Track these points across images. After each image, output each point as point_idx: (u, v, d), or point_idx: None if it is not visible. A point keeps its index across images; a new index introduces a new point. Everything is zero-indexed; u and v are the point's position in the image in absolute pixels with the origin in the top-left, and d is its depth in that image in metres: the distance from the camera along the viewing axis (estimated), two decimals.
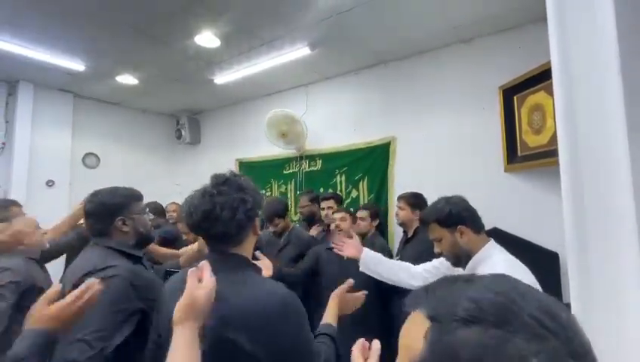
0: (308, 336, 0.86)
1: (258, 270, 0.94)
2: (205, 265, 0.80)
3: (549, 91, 2.15)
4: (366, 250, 1.69)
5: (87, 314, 0.90)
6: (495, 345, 0.30)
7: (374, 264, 1.65)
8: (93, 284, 0.90)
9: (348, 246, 1.71)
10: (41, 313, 0.83)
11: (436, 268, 1.55)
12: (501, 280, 0.37)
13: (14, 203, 2.08)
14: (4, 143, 3.65)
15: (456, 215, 1.26)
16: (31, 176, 3.67)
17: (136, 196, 1.29)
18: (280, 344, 0.79)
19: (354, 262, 1.98)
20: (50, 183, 3.83)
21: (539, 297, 0.34)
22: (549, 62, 2.14)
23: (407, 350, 0.36)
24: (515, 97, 2.48)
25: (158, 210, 3.05)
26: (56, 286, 0.89)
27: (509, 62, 2.58)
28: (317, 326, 1.70)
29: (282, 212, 2.48)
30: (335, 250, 1.74)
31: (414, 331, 0.35)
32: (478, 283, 0.36)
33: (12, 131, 3.63)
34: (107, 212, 1.20)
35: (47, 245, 1.66)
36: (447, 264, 1.43)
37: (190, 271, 0.79)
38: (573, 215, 0.70)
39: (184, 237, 2.78)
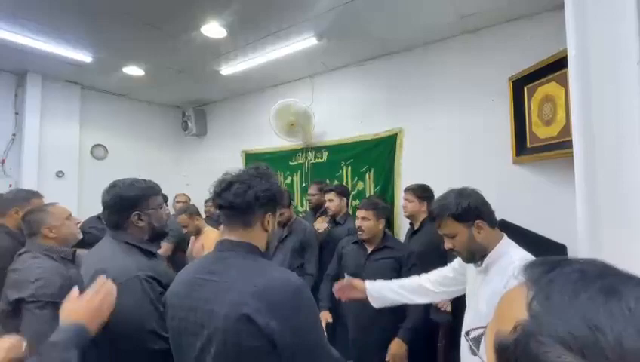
0: (319, 327, 0.87)
1: (268, 257, 0.96)
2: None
3: (561, 82, 2.11)
4: (367, 283, 1.55)
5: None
6: None
7: (381, 291, 1.53)
8: (105, 283, 0.95)
9: (348, 293, 1.58)
10: (70, 309, 0.90)
11: (447, 277, 1.48)
12: None
13: (35, 194, 2.02)
14: (14, 135, 3.70)
15: (474, 209, 1.17)
16: (41, 167, 3.72)
17: (155, 190, 1.27)
18: (292, 330, 0.79)
19: (373, 256, 1.97)
20: (60, 174, 3.88)
21: None
22: (561, 52, 2.10)
23: (499, 318, 0.34)
24: (525, 88, 2.44)
25: None
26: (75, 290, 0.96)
27: (519, 53, 2.53)
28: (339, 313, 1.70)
29: (287, 202, 2.48)
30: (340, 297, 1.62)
31: (511, 306, 0.32)
32: (616, 303, 0.27)
33: (22, 123, 3.68)
34: (124, 205, 1.19)
35: (80, 235, 1.63)
36: (461, 269, 1.39)
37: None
38: (586, 208, 0.69)
39: (184, 231, 2.80)
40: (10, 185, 3.51)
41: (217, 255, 0.94)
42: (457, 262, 1.42)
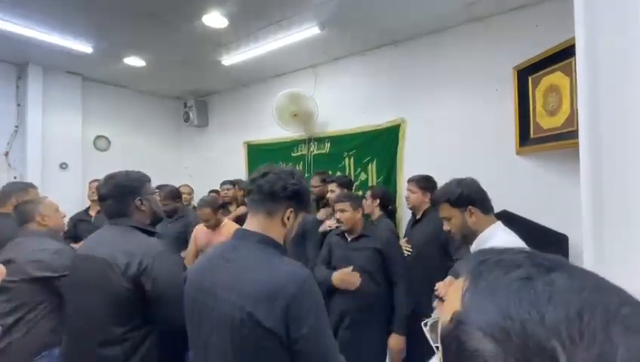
0: (323, 319, 0.88)
1: (283, 252, 0.97)
2: None
3: (567, 71, 2.08)
4: None
5: None
6: None
7: None
8: None
9: (348, 283, 1.77)
10: None
11: None
12: (568, 296, 0.29)
13: (31, 185, 2.15)
14: (17, 127, 3.70)
15: (467, 196, 1.31)
16: (45, 159, 3.74)
17: (147, 178, 1.38)
18: (298, 322, 0.81)
19: (360, 247, 2.02)
20: (63, 166, 3.90)
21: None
22: (567, 42, 2.07)
23: (447, 306, 0.36)
24: (529, 78, 2.42)
25: (174, 194, 3.02)
26: None
27: (524, 42, 2.50)
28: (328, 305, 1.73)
29: (311, 208, 2.50)
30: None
31: (454, 297, 0.35)
32: (528, 291, 0.30)
33: (24, 114, 3.68)
34: (126, 193, 1.27)
35: (65, 228, 1.75)
36: None
37: None
38: (591, 200, 0.69)
39: (204, 224, 2.80)
40: (15, 178, 3.53)
41: (232, 242, 0.98)
42: None
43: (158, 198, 1.41)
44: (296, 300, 0.82)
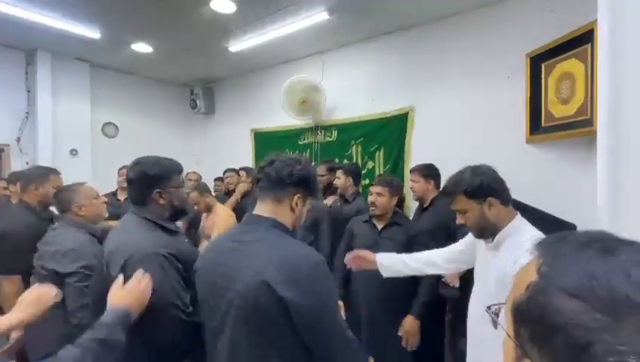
0: (334, 304, 0.91)
1: (294, 236, 1.00)
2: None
3: (582, 58, 2.03)
4: (378, 255, 1.60)
5: None
6: (592, 328, 0.28)
7: (391, 259, 1.59)
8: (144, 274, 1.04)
9: (360, 262, 1.62)
10: (116, 294, 0.99)
11: (458, 252, 1.51)
12: None
13: (53, 171, 2.06)
14: (27, 113, 3.74)
15: (487, 186, 1.18)
16: (55, 145, 3.78)
17: (177, 169, 1.29)
18: (308, 303, 0.83)
19: (383, 234, 1.99)
20: (73, 152, 3.95)
21: None
22: (583, 27, 2.02)
23: (515, 288, 0.38)
24: (542, 65, 2.36)
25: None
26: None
27: (538, 28, 2.43)
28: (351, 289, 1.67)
29: (320, 193, 2.51)
30: (353, 267, 1.64)
31: (525, 276, 0.36)
32: (613, 259, 0.31)
33: (34, 101, 3.71)
34: (146, 182, 1.21)
35: (106, 214, 1.72)
36: (472, 245, 1.41)
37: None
38: (608, 188, 0.68)
39: (194, 207, 2.85)
40: (27, 163, 3.59)
41: (244, 227, 1.00)
42: (469, 236, 1.44)
43: (186, 190, 1.35)
44: (309, 279, 0.85)
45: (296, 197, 0.99)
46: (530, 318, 0.33)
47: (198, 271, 1.02)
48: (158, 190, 1.21)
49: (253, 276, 0.84)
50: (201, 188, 2.80)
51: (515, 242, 1.15)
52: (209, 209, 2.79)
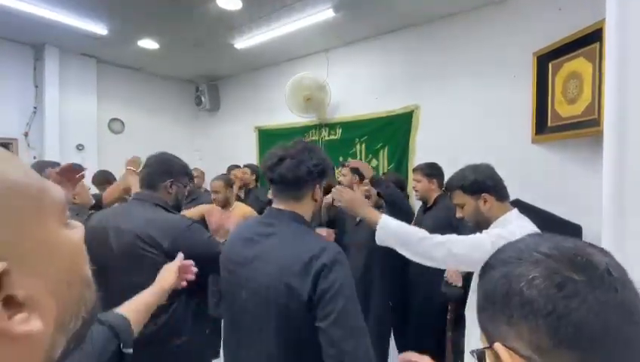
0: (353, 295, 0.89)
1: (311, 228, 1.03)
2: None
3: (590, 57, 2.01)
4: (384, 217, 1.37)
5: None
6: (505, 273, 0.41)
7: (391, 230, 1.28)
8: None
9: (346, 197, 1.31)
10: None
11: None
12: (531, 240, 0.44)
13: (53, 164, 2.13)
14: (35, 108, 3.78)
15: (481, 183, 1.27)
16: (62, 140, 3.82)
17: (189, 170, 1.48)
18: (329, 296, 0.84)
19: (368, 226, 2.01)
20: (80, 147, 3.98)
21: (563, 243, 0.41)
22: (592, 25, 1.99)
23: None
24: (550, 64, 2.34)
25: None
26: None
27: (545, 26, 2.41)
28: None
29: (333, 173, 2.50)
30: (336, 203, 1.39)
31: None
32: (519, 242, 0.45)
33: (42, 96, 3.74)
34: (165, 169, 1.35)
35: (93, 201, 1.78)
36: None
37: None
38: (613, 189, 0.68)
39: (213, 196, 2.84)
40: (34, 158, 3.63)
41: (265, 220, 1.01)
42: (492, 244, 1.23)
43: (185, 192, 1.48)
44: (326, 268, 0.85)
45: (316, 188, 1.01)
46: (492, 302, 0.42)
47: (221, 258, 1.05)
48: (171, 180, 1.35)
49: (274, 274, 0.87)
50: (226, 180, 2.61)
51: (497, 233, 1.17)
52: (226, 204, 2.57)
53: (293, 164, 0.94)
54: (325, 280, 0.85)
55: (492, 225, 1.27)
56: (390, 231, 1.25)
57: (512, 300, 0.39)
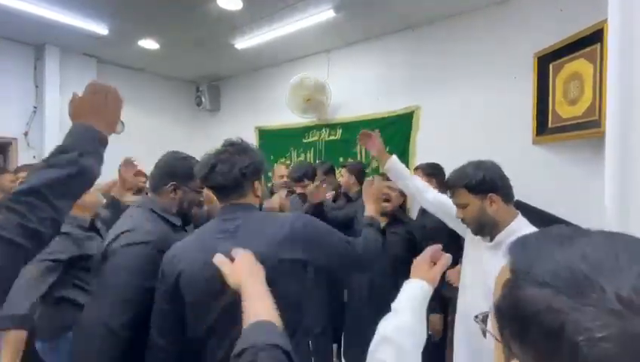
0: (339, 235, 1.04)
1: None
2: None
3: (591, 58, 2.01)
4: (392, 158, 1.70)
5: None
6: (561, 310, 0.29)
7: (399, 170, 1.68)
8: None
9: (369, 140, 1.74)
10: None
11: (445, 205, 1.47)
12: (604, 244, 0.33)
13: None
14: (35, 107, 3.78)
15: (490, 182, 1.17)
16: (62, 140, 3.81)
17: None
18: (323, 250, 0.99)
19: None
20: None
21: None
22: (593, 26, 1.99)
23: (496, 290, 0.41)
24: (550, 65, 2.34)
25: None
26: None
27: (546, 27, 2.41)
28: None
29: (310, 175, 2.50)
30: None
31: (502, 277, 0.39)
32: (571, 246, 0.34)
33: (42, 95, 3.74)
34: (168, 171, 1.23)
35: (103, 201, 1.69)
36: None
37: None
38: (616, 190, 0.68)
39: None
40: (34, 157, 3.63)
41: (223, 217, 1.01)
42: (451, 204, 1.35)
43: (201, 198, 1.31)
44: (306, 228, 0.98)
45: (255, 184, 1.03)
46: (509, 314, 0.35)
47: (183, 273, 0.94)
48: (173, 182, 1.21)
49: (268, 255, 0.89)
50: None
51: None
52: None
53: (225, 169, 0.96)
54: (318, 245, 0.97)
55: (502, 233, 1.17)
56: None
57: (562, 347, 0.28)
